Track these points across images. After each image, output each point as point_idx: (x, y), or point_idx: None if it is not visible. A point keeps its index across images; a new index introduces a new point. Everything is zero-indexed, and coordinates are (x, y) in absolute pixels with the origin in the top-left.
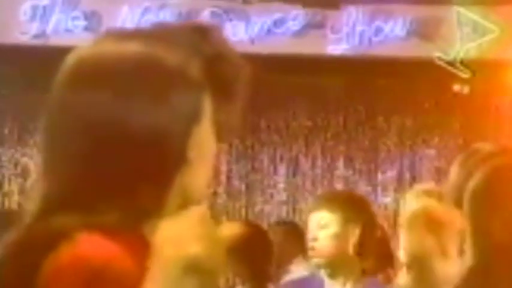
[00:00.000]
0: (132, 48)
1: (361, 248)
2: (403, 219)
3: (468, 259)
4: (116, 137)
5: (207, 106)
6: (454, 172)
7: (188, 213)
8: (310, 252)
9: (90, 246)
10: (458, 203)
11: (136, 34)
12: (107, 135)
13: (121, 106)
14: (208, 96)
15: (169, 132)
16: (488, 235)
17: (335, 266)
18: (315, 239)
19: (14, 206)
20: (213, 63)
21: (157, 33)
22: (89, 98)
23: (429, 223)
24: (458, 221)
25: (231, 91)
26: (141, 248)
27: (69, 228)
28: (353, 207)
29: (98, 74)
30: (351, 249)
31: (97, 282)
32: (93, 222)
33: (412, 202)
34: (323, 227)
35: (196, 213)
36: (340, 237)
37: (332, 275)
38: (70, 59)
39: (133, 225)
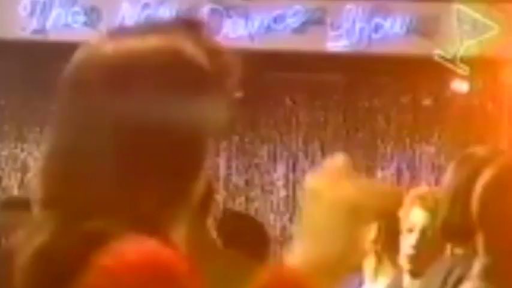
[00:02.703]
0: (153, 42)
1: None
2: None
3: (481, 258)
4: (150, 134)
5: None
6: (450, 175)
7: (331, 163)
8: None
9: (150, 244)
10: (453, 210)
11: (149, 28)
12: (139, 133)
13: (156, 102)
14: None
15: (202, 125)
16: (501, 234)
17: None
18: None
19: None
20: (210, 57)
21: (166, 27)
22: (122, 95)
23: None
24: None
25: (224, 86)
26: (178, 250)
27: (107, 232)
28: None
29: (129, 71)
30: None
31: (166, 278)
32: (127, 226)
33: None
34: None
35: (340, 162)
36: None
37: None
38: (89, 58)
39: (163, 229)
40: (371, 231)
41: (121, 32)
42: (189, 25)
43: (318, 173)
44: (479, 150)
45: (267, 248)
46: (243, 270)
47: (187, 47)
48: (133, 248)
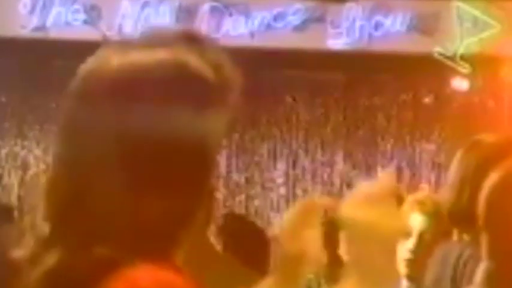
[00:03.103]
0: (158, 55)
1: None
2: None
3: (484, 263)
4: (156, 147)
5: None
6: (458, 161)
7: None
8: None
9: (163, 272)
10: (460, 195)
11: (153, 41)
12: (145, 146)
13: (161, 114)
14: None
15: (207, 138)
16: (505, 237)
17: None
18: None
19: (14, 198)
20: (213, 71)
21: (170, 40)
22: (127, 109)
23: None
24: None
25: (227, 100)
26: (184, 274)
27: (116, 258)
28: None
29: (134, 84)
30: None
31: None
32: (134, 251)
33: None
34: None
35: (385, 184)
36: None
37: None
38: (95, 70)
39: (168, 250)
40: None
41: (126, 44)
42: (191, 38)
43: (364, 200)
44: (488, 137)
45: (267, 253)
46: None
47: (192, 59)
48: (147, 275)
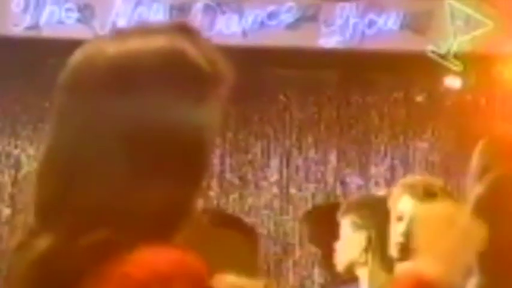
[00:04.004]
0: (156, 42)
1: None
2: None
3: (475, 278)
4: (156, 135)
5: None
6: (474, 160)
7: None
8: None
9: (176, 251)
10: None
11: (152, 29)
12: (143, 134)
13: (160, 101)
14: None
15: (204, 127)
16: (496, 252)
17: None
18: (334, 248)
19: (7, 197)
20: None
21: (165, 29)
22: (126, 96)
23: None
24: None
25: (220, 92)
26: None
27: (113, 240)
28: (364, 211)
29: (133, 71)
30: (365, 254)
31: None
32: (132, 234)
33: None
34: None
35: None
36: (351, 244)
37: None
38: (90, 59)
39: (166, 239)
40: (361, 241)
41: (121, 33)
42: (185, 29)
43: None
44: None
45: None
46: (232, 246)
47: (189, 48)
48: (161, 258)
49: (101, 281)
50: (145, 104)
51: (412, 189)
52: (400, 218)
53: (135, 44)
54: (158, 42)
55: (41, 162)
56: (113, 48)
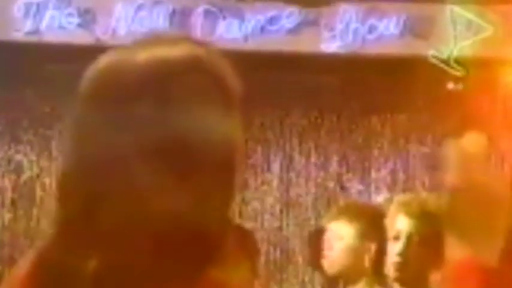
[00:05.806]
0: (183, 50)
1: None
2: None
3: None
4: (188, 150)
5: None
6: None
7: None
8: (323, 261)
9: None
10: None
11: (170, 38)
12: (177, 148)
13: (194, 113)
14: None
15: (237, 139)
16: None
17: (348, 277)
18: (330, 249)
19: (7, 202)
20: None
21: (180, 39)
22: (163, 107)
23: None
24: None
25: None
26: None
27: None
28: (371, 222)
29: (166, 79)
30: (367, 264)
31: None
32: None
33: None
34: (340, 238)
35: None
36: (355, 251)
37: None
38: (119, 68)
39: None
40: (371, 252)
41: (142, 41)
42: (195, 40)
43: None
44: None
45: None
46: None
47: (206, 56)
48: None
49: None
50: (178, 113)
51: (407, 208)
52: (396, 238)
53: (163, 52)
54: (185, 50)
55: (61, 179)
56: (141, 56)
